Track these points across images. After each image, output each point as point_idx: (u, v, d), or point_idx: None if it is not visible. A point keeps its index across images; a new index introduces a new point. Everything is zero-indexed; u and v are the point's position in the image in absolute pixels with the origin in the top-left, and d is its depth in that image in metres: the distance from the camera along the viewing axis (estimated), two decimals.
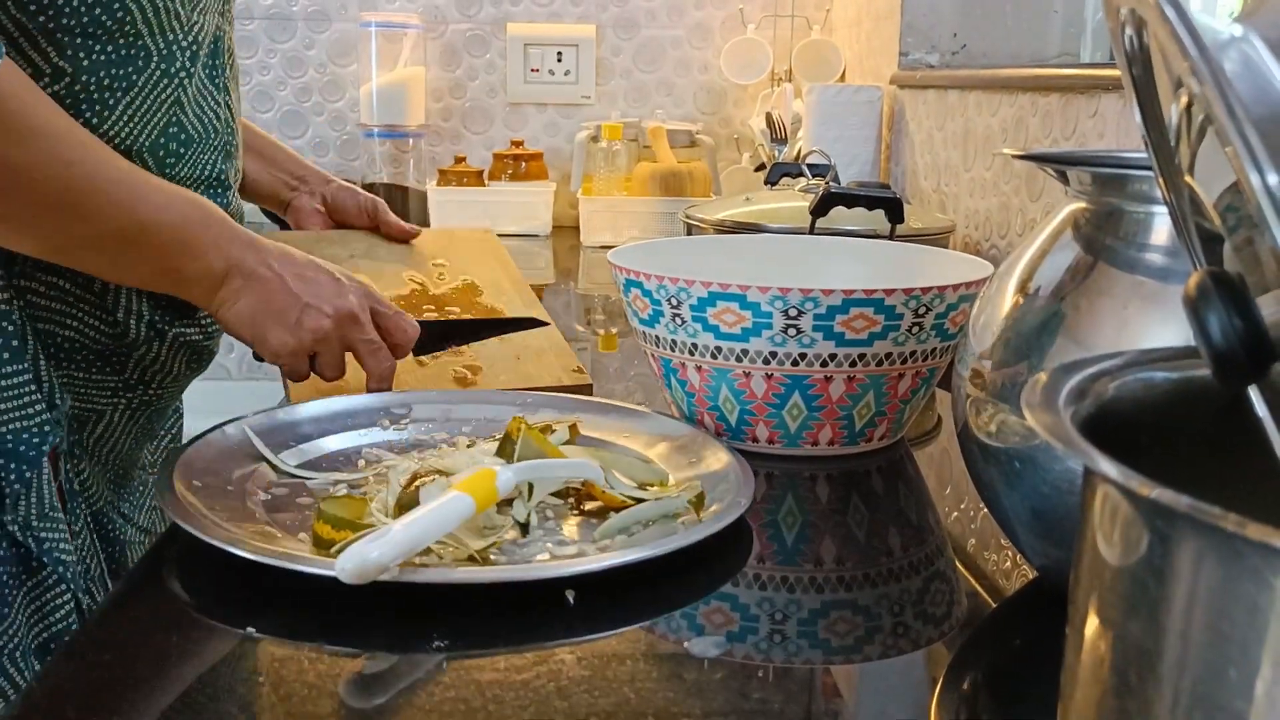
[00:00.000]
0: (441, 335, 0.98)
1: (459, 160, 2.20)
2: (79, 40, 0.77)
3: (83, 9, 0.76)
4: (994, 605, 0.66)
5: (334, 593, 0.57)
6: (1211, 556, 0.28)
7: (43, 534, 0.78)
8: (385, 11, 2.37)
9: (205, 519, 0.64)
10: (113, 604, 0.62)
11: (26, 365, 0.78)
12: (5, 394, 0.77)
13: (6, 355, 0.77)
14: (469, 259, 1.15)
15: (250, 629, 0.57)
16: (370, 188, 2.15)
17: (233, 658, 0.56)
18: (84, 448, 0.88)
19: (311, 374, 0.88)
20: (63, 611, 0.80)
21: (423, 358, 0.97)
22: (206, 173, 0.89)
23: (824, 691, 0.56)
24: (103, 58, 0.79)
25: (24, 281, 0.81)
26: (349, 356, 0.88)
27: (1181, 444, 0.39)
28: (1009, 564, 0.69)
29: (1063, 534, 0.57)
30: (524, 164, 2.20)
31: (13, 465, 0.76)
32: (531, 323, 1.02)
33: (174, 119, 0.84)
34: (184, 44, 0.84)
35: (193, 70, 0.86)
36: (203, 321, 0.91)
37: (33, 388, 0.78)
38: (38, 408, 0.78)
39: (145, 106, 0.82)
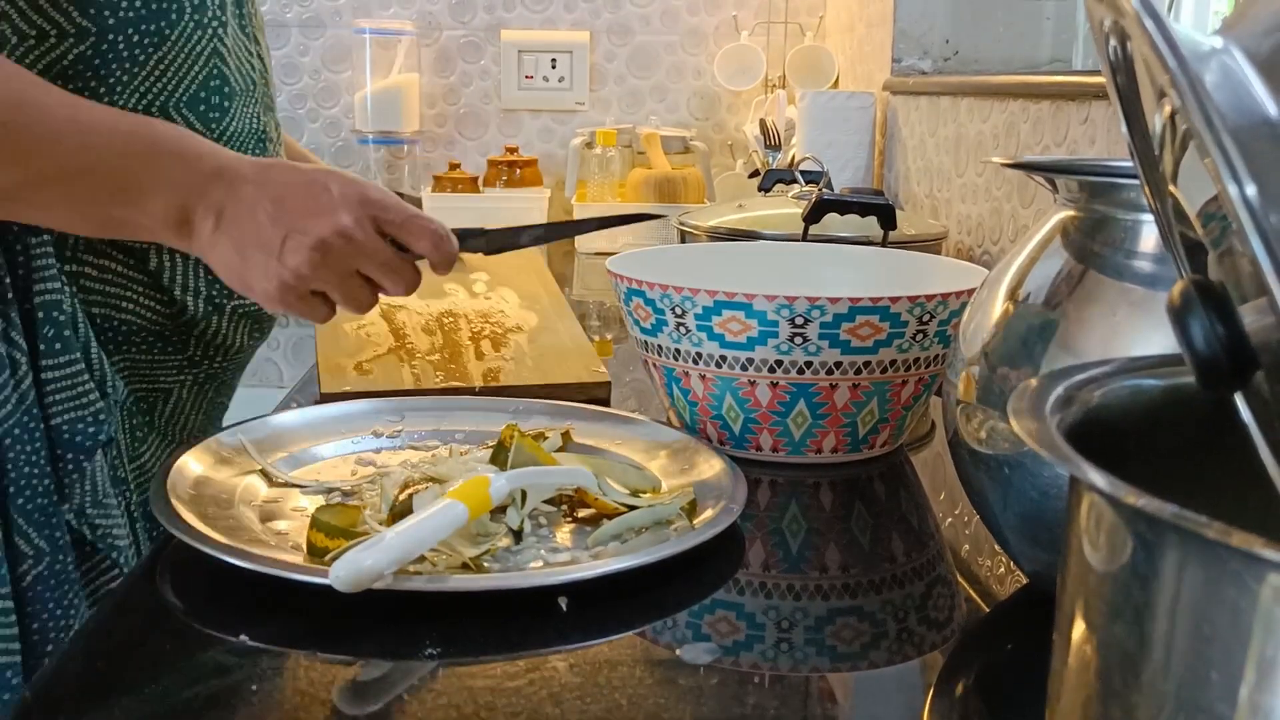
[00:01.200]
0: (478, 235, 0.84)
1: (453, 167, 2.20)
2: None
3: None
4: (987, 610, 0.66)
5: (327, 600, 0.57)
6: (1195, 563, 0.28)
7: (97, 520, 0.78)
8: (379, 18, 2.37)
9: (199, 527, 0.64)
10: (106, 612, 0.62)
11: (78, 355, 0.77)
12: (59, 385, 0.75)
13: (59, 345, 0.75)
14: (511, 268, 1.20)
15: (243, 636, 0.57)
16: None
17: (226, 666, 0.56)
18: (155, 428, 0.87)
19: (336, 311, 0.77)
20: None
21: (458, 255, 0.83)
22: (251, 126, 0.85)
23: (819, 697, 0.56)
24: (130, 14, 0.76)
25: (74, 266, 0.79)
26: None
27: (1167, 451, 0.39)
28: (1002, 570, 0.69)
29: (1052, 539, 0.57)
30: (518, 170, 2.20)
31: (69, 455, 0.75)
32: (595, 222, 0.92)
33: (215, 71, 0.81)
34: None
35: (224, 19, 0.82)
36: None
37: (85, 377, 0.77)
38: (91, 397, 0.77)
39: (179, 60, 0.79)
